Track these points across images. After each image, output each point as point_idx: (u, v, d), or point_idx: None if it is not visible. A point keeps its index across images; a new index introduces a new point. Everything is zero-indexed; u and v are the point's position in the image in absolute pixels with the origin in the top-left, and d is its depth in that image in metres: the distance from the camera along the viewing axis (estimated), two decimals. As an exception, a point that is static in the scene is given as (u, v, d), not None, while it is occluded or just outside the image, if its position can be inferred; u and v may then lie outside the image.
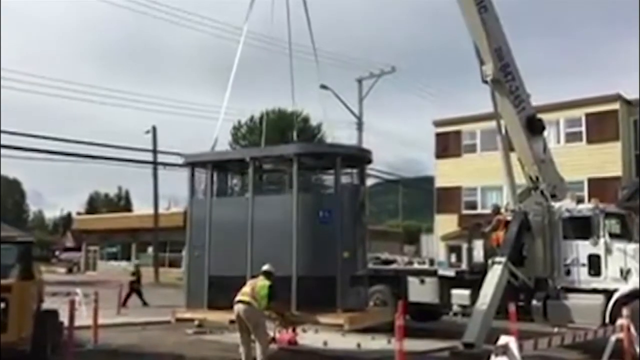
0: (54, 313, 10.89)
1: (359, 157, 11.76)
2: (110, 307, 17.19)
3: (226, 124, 46.96)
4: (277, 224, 10.61)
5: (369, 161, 11.91)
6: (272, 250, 10.44)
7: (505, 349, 7.71)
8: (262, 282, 9.61)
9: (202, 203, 11.76)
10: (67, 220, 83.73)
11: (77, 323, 10.85)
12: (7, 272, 9.57)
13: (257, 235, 10.78)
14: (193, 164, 12.08)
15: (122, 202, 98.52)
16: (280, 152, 11.58)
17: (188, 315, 11.47)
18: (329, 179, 11.71)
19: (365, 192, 11.41)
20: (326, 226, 10.38)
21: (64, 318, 10.81)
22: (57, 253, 68.41)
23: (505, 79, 13.71)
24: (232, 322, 10.38)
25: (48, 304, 11.72)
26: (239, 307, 9.41)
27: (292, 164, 10.80)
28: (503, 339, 7.86)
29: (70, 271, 52.84)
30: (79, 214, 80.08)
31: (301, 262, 10.28)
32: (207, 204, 11.66)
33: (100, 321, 12.93)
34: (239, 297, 9.52)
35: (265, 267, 9.81)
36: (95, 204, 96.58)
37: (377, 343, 12.35)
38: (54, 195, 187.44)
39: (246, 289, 9.58)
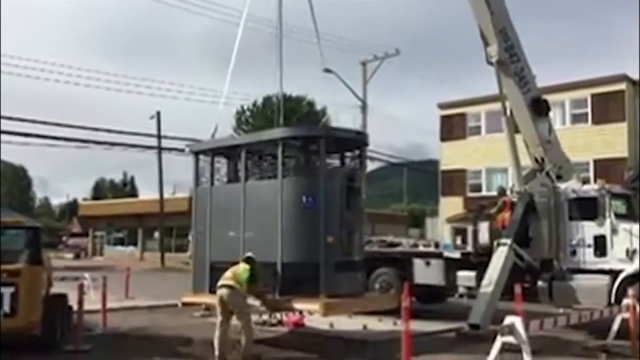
0: (63, 297, 10.99)
1: (351, 140, 11.39)
2: (118, 291, 17.32)
3: (232, 109, 46.98)
4: (266, 210, 10.49)
5: (365, 144, 11.59)
6: (262, 237, 10.37)
7: (511, 329, 7.75)
8: (243, 266, 9.63)
9: (203, 191, 11.85)
10: (73, 206, 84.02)
11: (86, 307, 10.98)
12: (15, 257, 9.66)
13: (249, 221, 10.74)
14: (196, 152, 12.14)
15: (128, 188, 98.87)
16: (267, 137, 11.41)
17: (193, 299, 11.57)
18: (331, 162, 11.52)
19: (363, 176, 11.14)
20: (310, 211, 10.13)
21: (72, 302, 10.93)
22: (64, 239, 68.75)
23: (510, 60, 13.65)
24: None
25: (57, 289, 11.83)
26: (222, 292, 9.39)
27: (279, 148, 10.59)
28: (509, 319, 7.90)
29: (77, 257, 53.15)
30: (84, 200, 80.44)
31: (286, 248, 10.15)
32: (208, 192, 11.72)
33: (109, 305, 13.07)
34: (221, 282, 9.53)
35: (247, 254, 9.87)
36: (100, 190, 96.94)
37: (384, 325, 12.43)
38: (60, 181, 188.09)
39: (228, 273, 9.59)
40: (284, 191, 10.34)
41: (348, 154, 11.41)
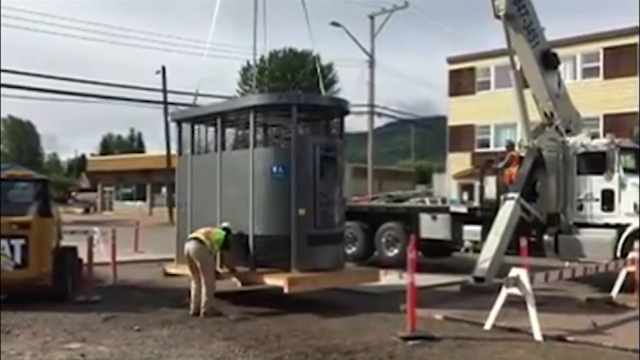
0: (73, 249, 11.15)
1: (329, 108, 10.88)
2: (128, 245, 17.53)
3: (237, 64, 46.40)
4: (240, 181, 10.16)
5: (345, 112, 11.05)
6: (237, 208, 10.12)
7: (516, 281, 7.82)
8: (218, 230, 9.58)
9: (184, 160, 11.50)
10: (81, 162, 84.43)
11: (96, 260, 11.13)
12: (25, 210, 9.76)
13: (225, 192, 10.49)
14: (179, 120, 11.78)
15: (135, 144, 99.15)
16: (239, 104, 11.05)
17: (176, 270, 11.10)
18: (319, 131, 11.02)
19: (343, 145, 10.60)
20: (280, 182, 9.75)
21: (82, 255, 11.07)
22: (73, 194, 69.39)
23: (518, 13, 13.38)
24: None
25: (67, 242, 11.96)
26: (189, 246, 9.33)
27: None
28: (514, 271, 7.97)
29: (87, 211, 53.75)
30: (93, 155, 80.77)
31: (257, 220, 9.86)
32: (188, 161, 11.37)
33: (119, 258, 13.23)
34: (190, 235, 9.51)
35: (224, 224, 9.77)
36: (108, 146, 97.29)
37: (390, 278, 12.52)
38: (67, 137, 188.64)
39: (201, 229, 9.55)
40: (255, 161, 9.97)
41: (334, 122, 10.86)
